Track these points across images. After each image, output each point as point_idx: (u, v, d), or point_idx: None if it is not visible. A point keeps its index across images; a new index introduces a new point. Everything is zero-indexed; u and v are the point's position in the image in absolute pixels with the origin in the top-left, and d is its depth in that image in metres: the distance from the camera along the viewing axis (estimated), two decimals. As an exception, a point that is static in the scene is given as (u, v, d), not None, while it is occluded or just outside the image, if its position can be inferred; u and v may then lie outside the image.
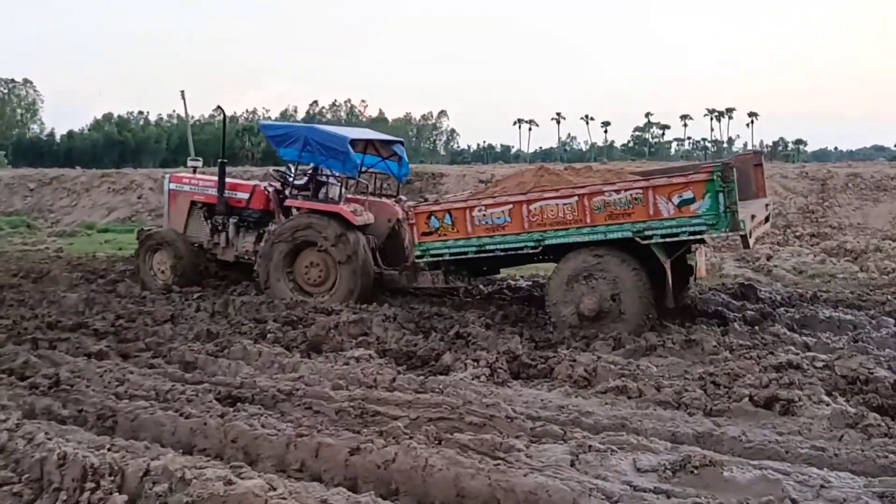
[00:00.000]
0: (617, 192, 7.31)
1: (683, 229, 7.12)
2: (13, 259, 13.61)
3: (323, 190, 9.79)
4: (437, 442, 4.27)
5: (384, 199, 10.46)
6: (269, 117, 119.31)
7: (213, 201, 10.39)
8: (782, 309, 8.87)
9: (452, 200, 9.25)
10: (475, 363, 6.00)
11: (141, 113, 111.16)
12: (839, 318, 8.21)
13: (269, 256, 9.43)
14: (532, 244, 7.73)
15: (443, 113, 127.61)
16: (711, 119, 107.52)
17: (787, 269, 13.30)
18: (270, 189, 10.31)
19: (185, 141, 53.69)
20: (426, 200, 10.16)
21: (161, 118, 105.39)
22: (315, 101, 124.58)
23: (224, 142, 11.26)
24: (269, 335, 7.26)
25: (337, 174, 9.63)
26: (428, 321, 8.16)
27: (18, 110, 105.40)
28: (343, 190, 9.98)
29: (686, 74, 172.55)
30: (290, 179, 10.00)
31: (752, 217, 7.50)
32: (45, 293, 9.12)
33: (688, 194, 7.03)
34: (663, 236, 7.21)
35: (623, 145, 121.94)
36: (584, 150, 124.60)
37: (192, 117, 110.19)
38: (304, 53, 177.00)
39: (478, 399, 5.15)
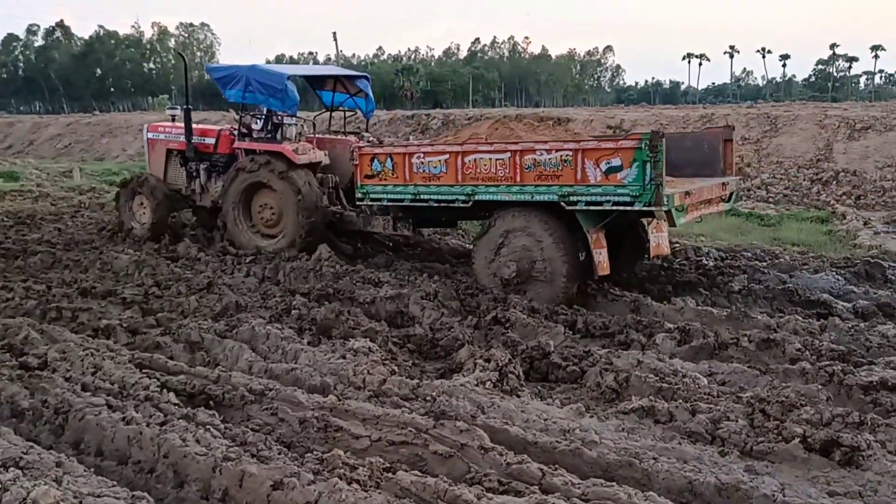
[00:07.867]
0: (548, 151, 7.04)
1: (608, 198, 6.78)
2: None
3: (279, 131, 9.80)
4: (374, 484, 3.55)
5: (348, 137, 10.26)
6: (433, 56, 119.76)
7: (185, 148, 10.53)
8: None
9: (395, 145, 9.27)
10: (486, 364, 5.15)
11: (311, 54, 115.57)
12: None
13: (224, 201, 9.66)
14: (464, 198, 7.63)
15: (608, 48, 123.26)
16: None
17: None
18: (235, 133, 10.27)
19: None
20: (380, 142, 10.15)
21: (329, 58, 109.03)
22: (476, 39, 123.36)
23: (188, 87, 11.31)
24: (293, 311, 6.75)
25: (280, 113, 9.61)
26: (474, 298, 7.37)
27: (198, 53, 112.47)
28: (300, 130, 10.13)
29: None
30: (247, 122, 9.98)
31: (687, 194, 7.04)
32: (102, 254, 9.07)
33: (615, 161, 6.68)
34: (588, 203, 6.90)
35: (804, 80, 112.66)
36: (760, 85, 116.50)
37: (358, 56, 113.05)
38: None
39: (466, 416, 4.37)
